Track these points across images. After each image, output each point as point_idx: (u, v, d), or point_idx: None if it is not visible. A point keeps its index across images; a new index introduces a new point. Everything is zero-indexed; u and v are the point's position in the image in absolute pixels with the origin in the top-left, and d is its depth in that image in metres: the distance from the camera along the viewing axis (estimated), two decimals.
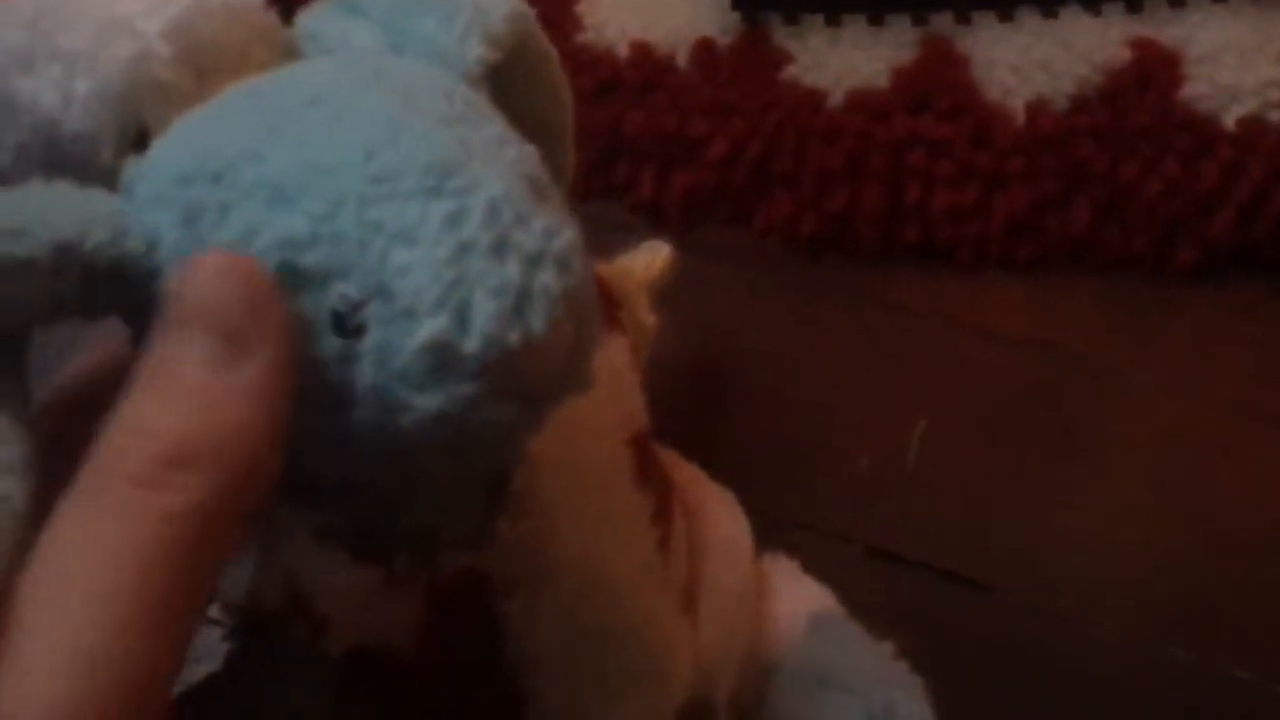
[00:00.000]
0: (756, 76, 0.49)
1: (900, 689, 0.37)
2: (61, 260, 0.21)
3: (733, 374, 0.47)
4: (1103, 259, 0.47)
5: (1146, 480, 0.44)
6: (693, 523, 0.36)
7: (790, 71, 0.49)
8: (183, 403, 0.20)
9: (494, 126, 0.23)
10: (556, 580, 0.29)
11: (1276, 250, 0.46)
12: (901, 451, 0.45)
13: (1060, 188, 0.47)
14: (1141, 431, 0.45)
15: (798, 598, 0.39)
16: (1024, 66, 0.47)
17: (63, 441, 0.21)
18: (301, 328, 0.21)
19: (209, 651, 0.29)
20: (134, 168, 0.23)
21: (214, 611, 0.29)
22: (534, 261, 0.21)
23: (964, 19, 0.49)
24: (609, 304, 0.35)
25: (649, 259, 0.41)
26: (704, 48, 0.50)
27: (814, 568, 0.41)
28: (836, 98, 0.48)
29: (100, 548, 0.19)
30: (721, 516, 0.37)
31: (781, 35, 0.50)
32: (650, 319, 0.39)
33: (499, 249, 0.21)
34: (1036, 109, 0.47)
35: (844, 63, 0.49)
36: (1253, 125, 0.45)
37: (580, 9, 0.52)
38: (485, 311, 0.20)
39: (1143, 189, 0.46)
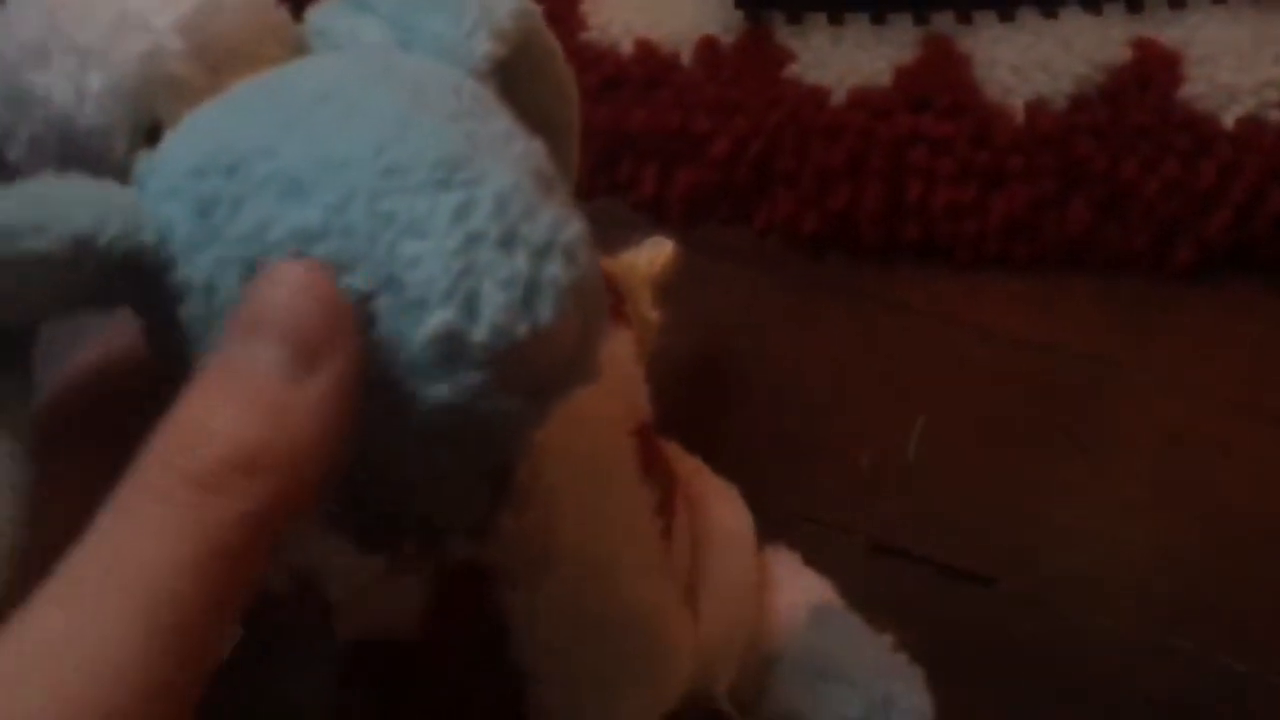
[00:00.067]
0: (759, 75, 0.49)
1: (900, 681, 0.37)
2: (79, 253, 0.21)
3: (734, 371, 0.48)
4: (1102, 258, 0.47)
5: (1146, 478, 0.44)
6: (695, 515, 0.36)
7: (793, 70, 0.49)
8: (251, 408, 0.20)
9: (501, 121, 0.23)
10: (560, 570, 0.29)
11: (1274, 249, 0.46)
12: (902, 448, 0.45)
13: (1059, 187, 0.47)
14: (1141, 430, 0.45)
15: (798, 590, 0.39)
16: (1024, 66, 0.47)
17: (63, 441, 0.21)
18: None
19: None
20: (146, 161, 0.23)
21: None
22: (542, 253, 0.21)
23: (965, 18, 0.49)
24: (614, 298, 0.36)
25: (653, 254, 0.41)
26: (707, 46, 0.50)
27: (815, 561, 0.41)
28: (839, 96, 0.48)
29: (154, 546, 0.19)
30: (723, 509, 0.37)
31: (784, 34, 0.50)
32: (654, 314, 0.39)
33: (507, 241, 0.21)
34: (1036, 108, 0.47)
35: (846, 61, 0.49)
36: (1251, 125, 0.46)
37: (585, 7, 0.52)
38: (494, 302, 0.21)
39: (1142, 188, 0.46)
